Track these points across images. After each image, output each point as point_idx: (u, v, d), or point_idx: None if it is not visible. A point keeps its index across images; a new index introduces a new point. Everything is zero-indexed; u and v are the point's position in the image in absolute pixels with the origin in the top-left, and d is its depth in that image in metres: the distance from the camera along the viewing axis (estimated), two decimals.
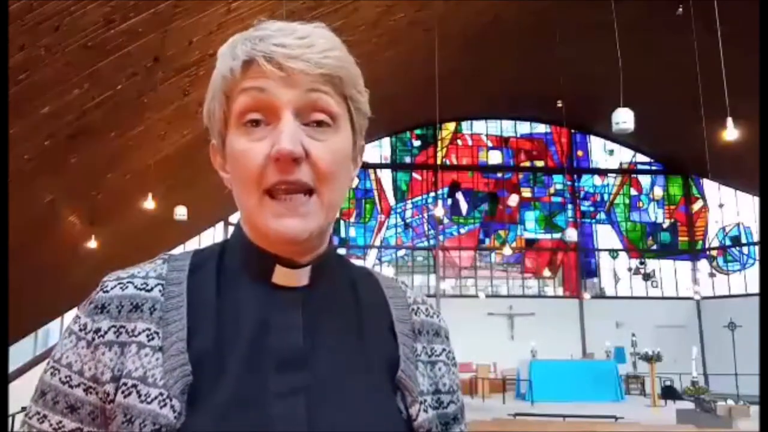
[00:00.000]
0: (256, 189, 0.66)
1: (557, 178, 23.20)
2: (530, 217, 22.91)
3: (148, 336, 0.66)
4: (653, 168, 23.50)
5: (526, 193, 23.14)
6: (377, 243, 22.12)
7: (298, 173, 0.66)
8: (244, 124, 0.68)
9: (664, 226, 23.13)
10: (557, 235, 22.31)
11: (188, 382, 0.63)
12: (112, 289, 0.70)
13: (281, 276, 0.71)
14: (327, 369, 0.68)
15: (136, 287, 0.70)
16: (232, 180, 0.71)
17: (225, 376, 0.64)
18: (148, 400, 0.62)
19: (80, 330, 0.68)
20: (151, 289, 0.70)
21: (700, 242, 22.75)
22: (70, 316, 13.82)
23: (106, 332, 0.67)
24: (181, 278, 0.71)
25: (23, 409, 9.44)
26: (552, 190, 23.23)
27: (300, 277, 0.71)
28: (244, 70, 0.67)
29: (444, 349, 0.79)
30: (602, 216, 23.14)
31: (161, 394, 0.62)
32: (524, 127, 23.51)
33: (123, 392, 0.64)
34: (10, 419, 9.73)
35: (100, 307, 0.68)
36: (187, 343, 0.66)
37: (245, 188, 0.68)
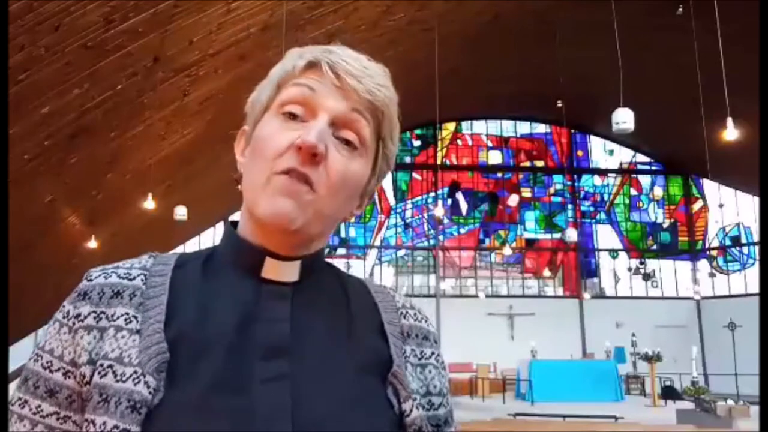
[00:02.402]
0: (268, 169, 0.68)
1: (557, 178, 23.21)
2: (530, 217, 22.92)
3: (126, 319, 0.67)
4: (653, 168, 23.51)
5: (526, 193, 23.15)
6: (377, 243, 22.11)
7: (312, 171, 0.67)
8: (282, 112, 0.71)
9: (664, 226, 23.13)
10: (557, 235, 22.31)
11: (164, 359, 0.64)
12: (95, 278, 0.71)
13: (271, 269, 0.71)
14: (314, 359, 0.68)
15: (119, 276, 0.71)
16: (248, 159, 0.73)
17: (206, 359, 0.64)
18: (123, 378, 0.63)
19: (63, 317, 0.69)
20: (134, 278, 0.71)
21: (700, 242, 22.75)
22: None
23: (86, 317, 0.68)
24: (166, 271, 0.72)
25: None
26: (552, 190, 23.23)
27: (290, 272, 0.72)
28: (306, 68, 0.71)
29: (433, 353, 0.80)
30: (602, 216, 23.15)
31: (135, 372, 0.63)
32: (524, 127, 23.52)
33: (99, 373, 0.64)
34: None
35: (83, 294, 0.70)
36: (167, 325, 0.66)
37: (259, 165, 0.69)
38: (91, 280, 0.71)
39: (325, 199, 0.68)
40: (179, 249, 16.69)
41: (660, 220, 23.18)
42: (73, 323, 0.68)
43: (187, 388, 0.62)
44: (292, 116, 0.70)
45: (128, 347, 0.65)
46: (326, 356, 0.69)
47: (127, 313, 0.67)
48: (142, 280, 0.70)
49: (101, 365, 0.64)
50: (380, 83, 0.72)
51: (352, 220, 0.79)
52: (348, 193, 0.72)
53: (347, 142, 0.70)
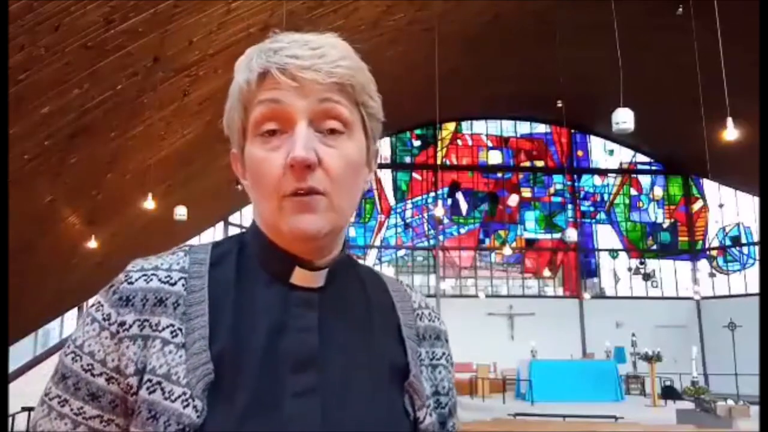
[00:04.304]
0: (275, 196, 0.69)
1: (557, 178, 23.21)
2: (530, 217, 22.92)
3: (171, 332, 0.68)
4: (653, 168, 23.51)
5: (526, 193, 23.15)
6: (377, 243, 22.12)
7: (311, 180, 0.68)
8: (260, 134, 0.70)
9: (664, 226, 23.13)
10: (557, 235, 22.31)
11: (210, 380, 0.65)
12: (136, 281, 0.71)
13: (300, 277, 0.73)
14: (340, 370, 0.70)
15: (160, 280, 0.71)
16: (251, 187, 0.73)
17: (244, 375, 0.66)
18: (172, 398, 0.64)
19: (104, 320, 0.69)
20: (175, 283, 0.71)
21: (700, 242, 22.75)
22: (70, 316, 13.83)
23: (130, 326, 0.68)
24: (203, 272, 0.73)
25: (23, 409, 9.44)
26: (552, 190, 23.23)
27: (317, 279, 0.74)
28: (260, 81, 0.70)
29: (444, 353, 0.83)
30: (602, 216, 23.15)
31: (184, 393, 0.64)
32: (524, 127, 23.52)
33: (148, 388, 0.65)
34: (10, 419, 9.72)
35: (125, 299, 0.69)
36: (209, 339, 0.68)
37: (265, 195, 0.70)
38: (132, 284, 0.71)
39: (337, 194, 0.70)
40: None
41: (660, 220, 23.18)
42: (117, 330, 0.68)
43: (226, 410, 0.64)
44: (271, 132, 0.70)
45: (175, 363, 0.66)
46: (350, 368, 0.71)
47: (173, 325, 0.68)
48: (182, 284, 0.71)
49: (149, 381, 0.65)
50: (334, 59, 0.70)
51: (368, 186, 0.80)
52: (354, 174, 0.73)
53: (332, 130, 0.70)
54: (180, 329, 0.68)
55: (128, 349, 0.67)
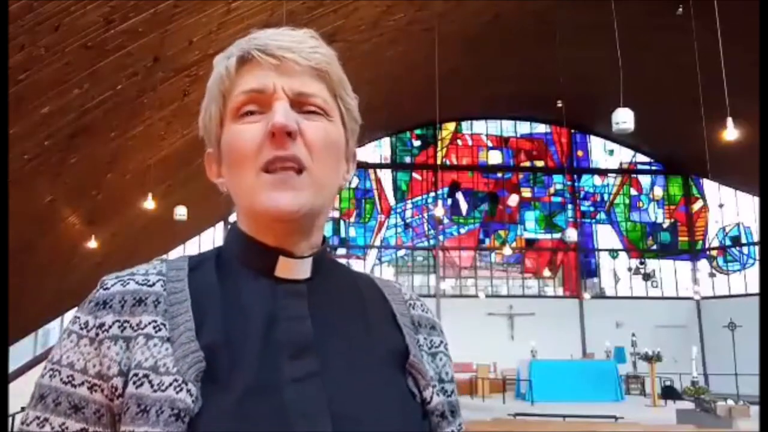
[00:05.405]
0: (253, 166, 0.68)
1: (557, 178, 23.20)
2: (530, 217, 22.91)
3: (155, 327, 0.65)
4: (653, 168, 23.50)
5: (526, 193, 23.15)
6: (377, 243, 22.11)
7: (293, 148, 0.67)
8: (239, 116, 0.70)
9: (664, 226, 23.13)
10: (557, 235, 22.31)
11: (201, 368, 0.63)
12: (112, 286, 0.69)
13: (284, 268, 0.71)
14: (339, 354, 0.69)
15: (137, 283, 0.69)
16: (229, 172, 0.72)
17: (239, 365, 0.64)
18: (162, 388, 0.61)
19: (81, 329, 0.67)
20: (153, 284, 0.69)
21: (700, 242, 22.75)
22: (70, 316, 13.85)
23: (110, 327, 0.66)
24: (182, 276, 0.71)
25: (23, 409, 9.45)
26: (552, 190, 23.23)
27: (302, 269, 0.72)
28: (240, 65, 0.71)
29: (441, 341, 0.82)
30: (602, 216, 23.14)
31: (176, 380, 0.61)
32: (524, 127, 23.52)
33: (135, 383, 0.62)
34: (10, 419, 9.73)
35: (102, 303, 0.67)
36: (196, 334, 0.65)
37: (242, 167, 0.69)
38: (108, 289, 0.68)
39: (316, 168, 0.69)
40: (179, 249, 16.68)
41: (660, 220, 23.18)
42: (96, 334, 0.66)
43: (223, 396, 0.62)
44: (251, 113, 0.70)
45: (162, 356, 0.63)
46: (349, 351, 0.70)
47: (155, 321, 0.66)
48: (161, 285, 0.69)
49: (136, 375, 0.63)
50: (312, 45, 0.71)
51: (346, 185, 0.79)
52: (333, 156, 0.72)
53: (312, 112, 0.70)
54: (163, 324, 0.65)
55: (110, 350, 0.64)
